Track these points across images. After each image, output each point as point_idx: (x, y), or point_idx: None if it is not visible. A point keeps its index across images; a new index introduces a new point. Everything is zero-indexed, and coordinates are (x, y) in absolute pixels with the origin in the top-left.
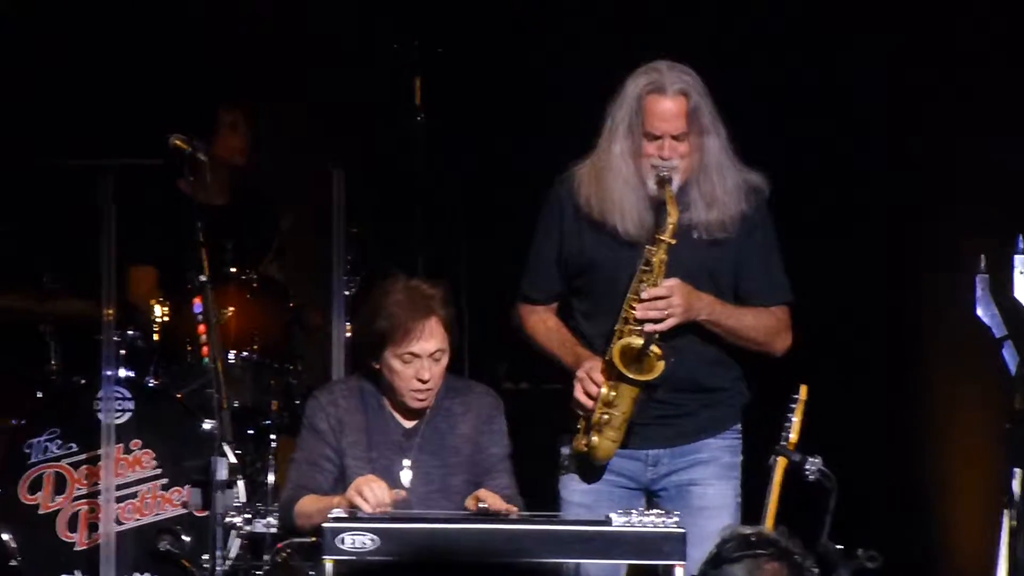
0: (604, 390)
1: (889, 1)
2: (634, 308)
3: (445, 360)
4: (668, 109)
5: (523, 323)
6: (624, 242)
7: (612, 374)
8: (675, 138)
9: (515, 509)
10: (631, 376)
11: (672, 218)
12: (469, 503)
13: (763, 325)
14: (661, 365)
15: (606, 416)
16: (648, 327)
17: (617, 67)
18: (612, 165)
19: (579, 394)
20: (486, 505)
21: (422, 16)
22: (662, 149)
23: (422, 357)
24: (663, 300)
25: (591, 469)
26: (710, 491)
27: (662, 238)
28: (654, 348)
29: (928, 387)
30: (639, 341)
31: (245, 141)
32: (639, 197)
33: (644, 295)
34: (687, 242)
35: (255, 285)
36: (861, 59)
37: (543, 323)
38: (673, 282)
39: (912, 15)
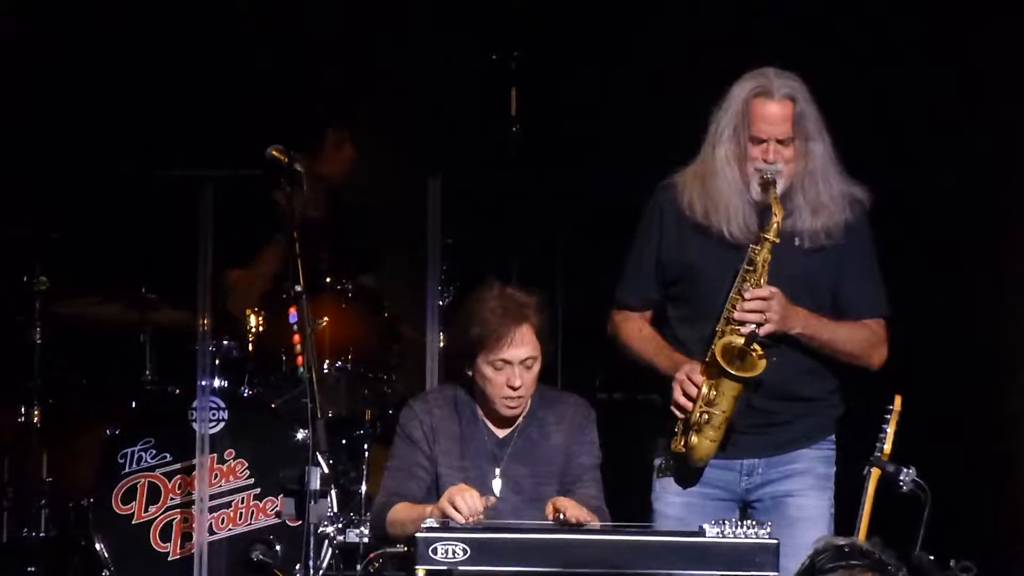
0: (705, 389)
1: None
2: (735, 308)
3: (537, 367)
4: (774, 113)
5: (617, 330)
6: (728, 245)
7: (713, 372)
8: (780, 142)
9: (594, 518)
10: (733, 372)
11: (777, 217)
12: (548, 511)
13: (859, 339)
14: (763, 363)
15: (706, 416)
16: (748, 328)
17: (719, 76)
18: (717, 169)
19: (678, 395)
20: (563, 515)
21: (520, 28)
22: (767, 153)
23: (514, 364)
24: (764, 302)
25: (687, 473)
26: (806, 502)
27: (767, 236)
28: (756, 347)
29: (1022, 397)
30: (741, 340)
31: (350, 160)
32: (744, 201)
33: (746, 295)
34: (789, 249)
35: (350, 295)
36: (952, 78)
37: (638, 330)
38: (774, 289)
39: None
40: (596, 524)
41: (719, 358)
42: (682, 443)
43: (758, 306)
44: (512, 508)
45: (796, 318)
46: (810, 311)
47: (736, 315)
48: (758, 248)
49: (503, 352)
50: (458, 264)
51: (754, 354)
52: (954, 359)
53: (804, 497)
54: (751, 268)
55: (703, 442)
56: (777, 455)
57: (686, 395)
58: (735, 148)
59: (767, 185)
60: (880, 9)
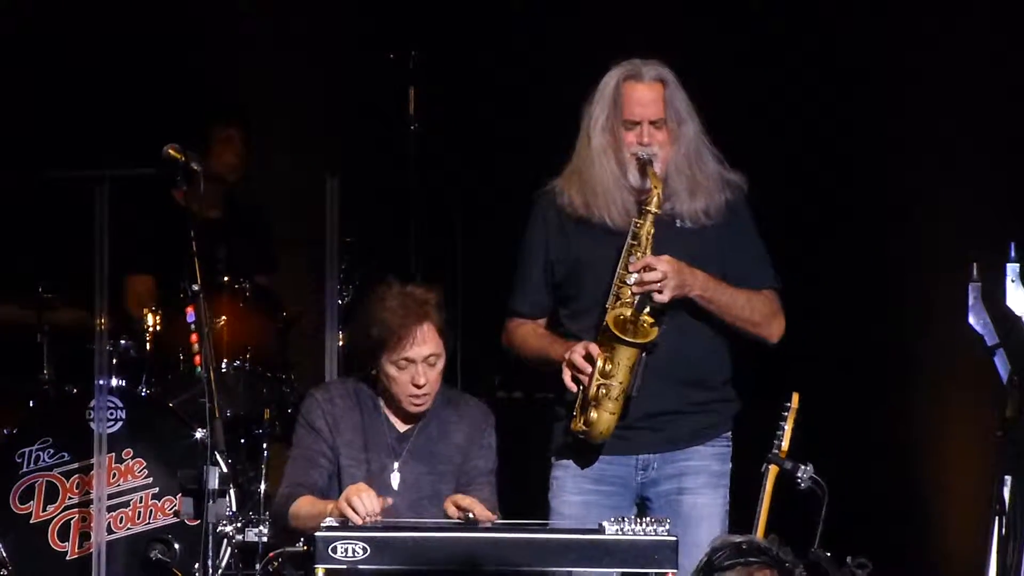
0: (600, 363)
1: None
2: (625, 283)
3: (441, 364)
4: (645, 94)
5: (512, 336)
6: (609, 232)
7: (607, 343)
8: (653, 124)
9: (495, 517)
10: (627, 339)
11: (657, 189)
12: (448, 508)
13: (757, 305)
14: (655, 330)
15: (604, 388)
16: (638, 290)
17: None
18: (593, 159)
19: (571, 369)
20: (470, 513)
21: (417, 26)
22: (641, 135)
23: (417, 362)
24: (655, 272)
25: (585, 462)
26: (699, 500)
27: (648, 208)
28: (645, 316)
29: (919, 395)
30: (630, 311)
31: (239, 158)
32: (621, 188)
33: (637, 264)
34: (670, 232)
35: (247, 294)
36: (857, 60)
37: (533, 331)
38: (665, 256)
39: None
40: (497, 522)
41: (612, 327)
42: (581, 421)
43: (652, 276)
44: (409, 504)
45: (694, 279)
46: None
47: (635, 288)
48: (640, 221)
49: (406, 351)
50: (357, 263)
51: (645, 323)
52: (851, 356)
53: (698, 495)
54: (635, 242)
55: (603, 415)
56: (672, 451)
57: (580, 371)
58: (609, 137)
59: (644, 166)
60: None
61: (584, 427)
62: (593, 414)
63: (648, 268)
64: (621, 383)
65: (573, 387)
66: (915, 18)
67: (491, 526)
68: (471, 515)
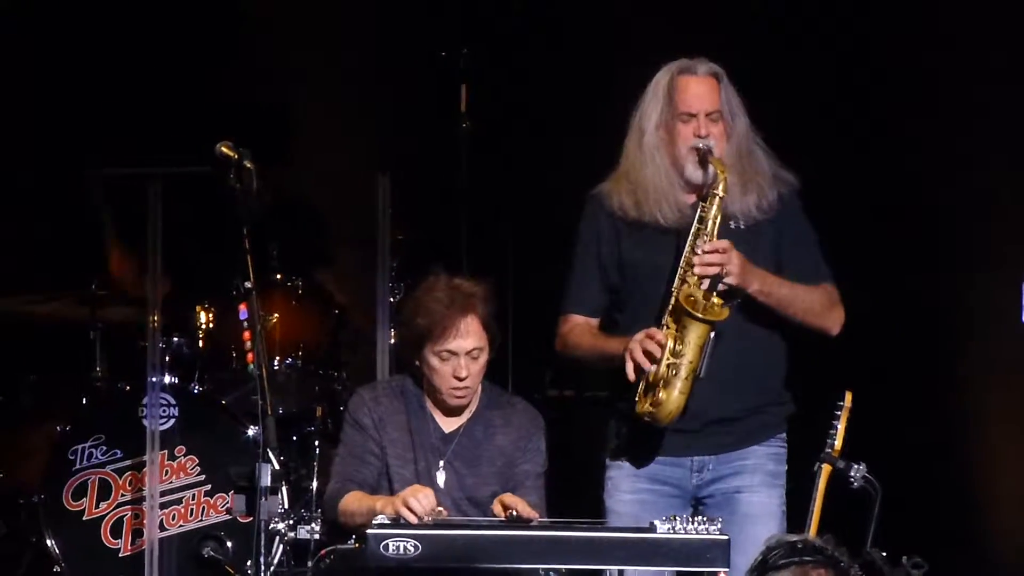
0: (669, 343)
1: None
2: (691, 265)
3: (484, 358)
4: (701, 87)
5: (567, 336)
6: (663, 231)
7: (677, 321)
8: (709, 116)
9: (537, 515)
10: (699, 315)
11: (723, 173)
12: (495, 507)
13: (816, 298)
14: (726, 311)
15: (673, 368)
16: (707, 281)
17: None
18: (645, 158)
19: (638, 355)
20: (513, 511)
21: (469, 23)
22: (698, 128)
23: (459, 355)
24: (721, 254)
25: (645, 455)
26: (756, 498)
27: (715, 192)
28: (715, 298)
29: (974, 393)
30: (700, 292)
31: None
32: (676, 186)
33: (705, 248)
34: (726, 232)
35: (300, 292)
36: (910, 58)
37: (588, 330)
38: (728, 242)
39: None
40: (547, 521)
41: (683, 303)
42: (648, 403)
43: (717, 259)
44: (454, 503)
45: (754, 274)
46: (748, 300)
47: (697, 269)
48: (707, 205)
49: (449, 343)
50: (409, 261)
51: (715, 304)
52: (904, 354)
53: (754, 493)
54: (702, 225)
55: (672, 395)
56: (727, 452)
57: (648, 354)
58: (663, 133)
59: (704, 156)
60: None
61: (651, 408)
62: (662, 394)
63: (716, 252)
64: (691, 362)
65: (633, 376)
66: (967, 16)
67: (543, 524)
68: (514, 513)
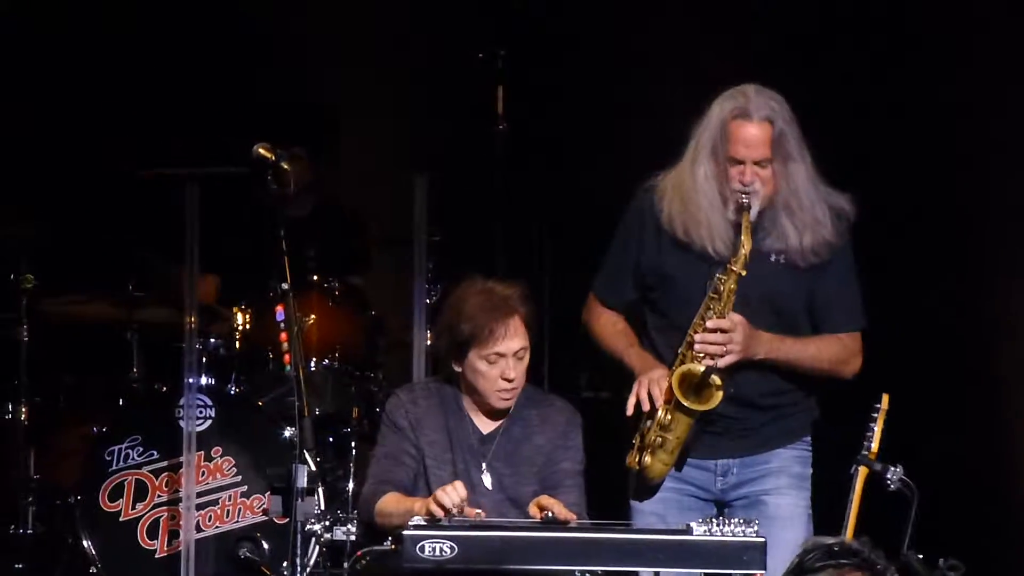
0: (660, 412)
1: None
2: (698, 333)
3: (527, 358)
4: (752, 135)
5: (592, 322)
6: (709, 260)
7: (670, 399)
8: (757, 163)
9: (574, 517)
10: (687, 405)
11: (745, 248)
12: (532, 510)
13: (827, 356)
14: (719, 396)
15: (659, 439)
16: (707, 361)
17: (705, 77)
18: (697, 187)
19: (640, 390)
20: (549, 513)
21: (505, 25)
22: (743, 174)
23: (507, 356)
24: (724, 335)
25: (647, 484)
26: (783, 501)
27: (733, 268)
28: (714, 378)
29: (1010, 395)
30: (700, 368)
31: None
32: (724, 219)
33: (708, 325)
34: (763, 267)
35: (337, 293)
36: (927, 63)
37: (612, 324)
38: (736, 318)
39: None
40: (583, 523)
41: (676, 387)
42: (636, 460)
43: (719, 339)
44: (492, 505)
45: (759, 344)
46: (775, 331)
47: (697, 346)
48: (724, 278)
49: (497, 346)
50: (445, 262)
51: (712, 385)
52: (942, 357)
53: (781, 496)
54: (716, 296)
55: (656, 464)
56: (751, 455)
57: (649, 395)
58: (714, 167)
59: (741, 209)
60: (879, 10)
61: (638, 468)
62: (648, 459)
63: (720, 331)
64: (679, 438)
65: (630, 412)
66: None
67: (579, 526)
68: (550, 514)
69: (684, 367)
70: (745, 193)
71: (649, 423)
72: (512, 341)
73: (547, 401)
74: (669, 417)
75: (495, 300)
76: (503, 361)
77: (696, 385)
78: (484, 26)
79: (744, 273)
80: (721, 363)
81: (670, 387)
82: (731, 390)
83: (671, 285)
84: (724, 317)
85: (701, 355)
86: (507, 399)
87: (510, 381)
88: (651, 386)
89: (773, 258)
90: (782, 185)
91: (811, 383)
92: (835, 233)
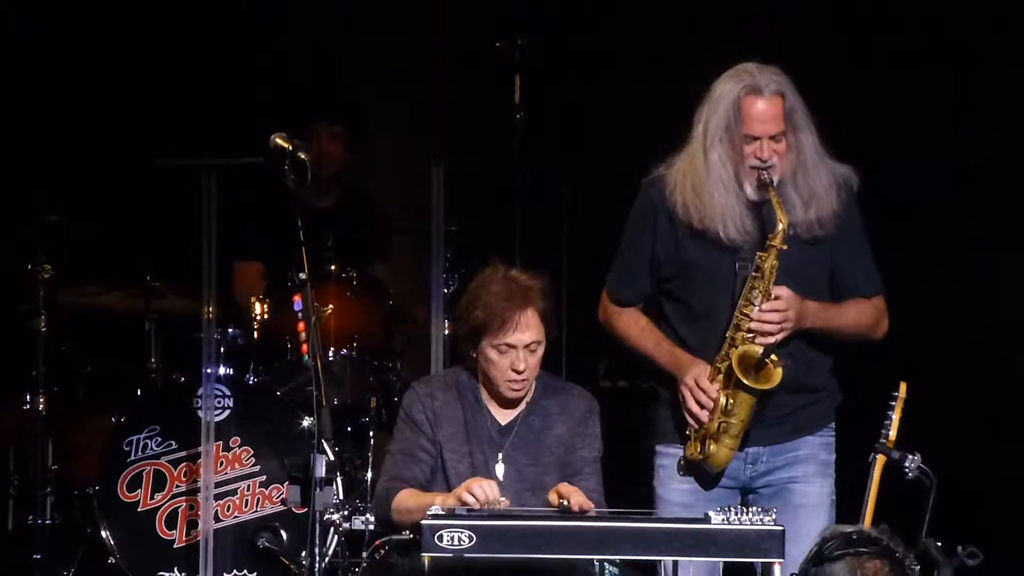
0: (722, 400)
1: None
2: (747, 316)
3: (541, 351)
4: (766, 110)
5: (612, 322)
6: (724, 246)
7: (730, 382)
8: (772, 138)
9: (591, 506)
10: (752, 385)
11: (783, 223)
12: (551, 496)
13: (865, 319)
14: (779, 372)
15: (724, 425)
16: (761, 340)
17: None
18: (711, 172)
19: (691, 404)
20: (566, 501)
21: (523, 13)
22: (761, 150)
23: (518, 348)
24: (779, 313)
25: (704, 474)
26: (810, 488)
27: (773, 244)
28: (773, 356)
29: None
30: (757, 349)
31: (341, 154)
32: (740, 202)
33: (763, 307)
34: (787, 240)
35: (355, 283)
36: (935, 59)
37: (635, 323)
38: (785, 292)
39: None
40: (601, 512)
41: (737, 370)
42: (698, 450)
43: (776, 316)
44: (513, 495)
45: (808, 314)
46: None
47: (754, 325)
48: (764, 255)
49: (508, 336)
50: (463, 251)
51: (770, 364)
52: (959, 346)
53: (808, 484)
54: (758, 275)
55: (721, 450)
56: (780, 443)
57: (700, 403)
58: (728, 149)
59: (765, 185)
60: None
61: (701, 457)
62: (712, 447)
63: (774, 310)
64: (742, 422)
65: (693, 422)
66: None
67: (598, 515)
68: (566, 503)
69: (741, 349)
70: (765, 168)
71: (710, 417)
72: (524, 333)
73: (565, 390)
74: (732, 402)
75: (513, 289)
76: (513, 352)
77: (755, 365)
78: (503, 15)
79: (785, 247)
80: (778, 338)
81: (730, 371)
82: (788, 362)
83: (692, 273)
84: (769, 295)
85: (753, 336)
86: (517, 390)
87: (519, 372)
88: (698, 386)
89: (792, 231)
90: (792, 158)
91: (837, 368)
92: (840, 204)
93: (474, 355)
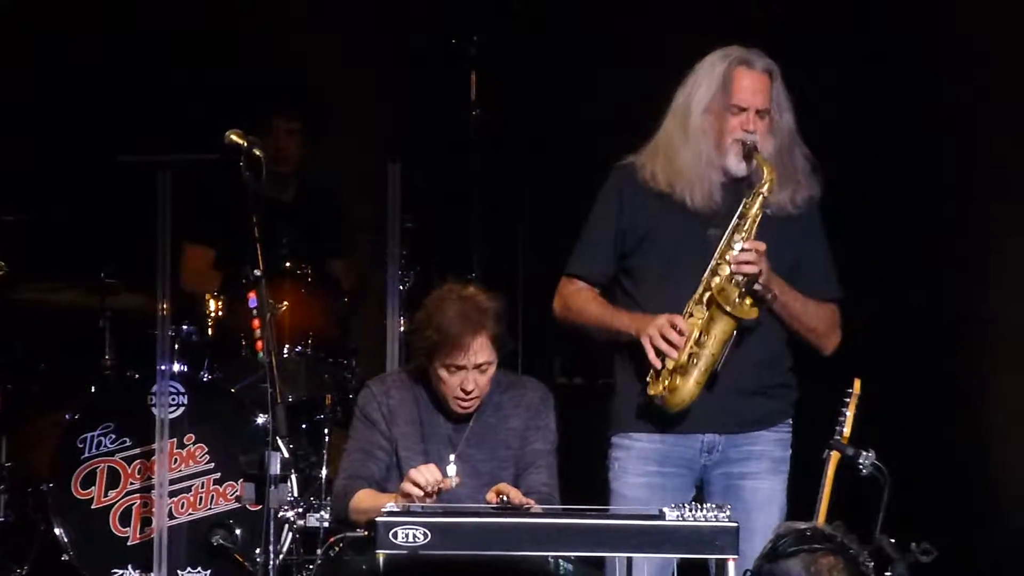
0: (695, 332)
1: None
2: (726, 261)
3: (492, 370)
4: (757, 83)
5: (568, 300)
6: (688, 213)
7: (707, 310)
8: (758, 113)
9: (531, 503)
10: (731, 311)
11: (771, 174)
12: (489, 496)
13: (824, 316)
14: (755, 311)
15: (694, 358)
16: (740, 279)
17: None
18: (690, 140)
19: (659, 342)
20: (504, 497)
21: (478, 10)
22: (747, 123)
23: (468, 369)
24: (757, 254)
25: (653, 434)
26: (761, 485)
27: (760, 191)
28: (747, 298)
29: (982, 380)
30: (733, 289)
31: (299, 151)
32: (714, 170)
33: (745, 245)
34: (762, 219)
35: (310, 280)
36: (911, 56)
37: (592, 297)
38: (763, 245)
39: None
40: (538, 508)
41: (717, 297)
42: (662, 386)
43: (752, 258)
44: (470, 492)
45: (776, 281)
46: None
47: (732, 267)
48: (749, 201)
49: (459, 359)
50: (419, 248)
51: (746, 303)
52: (913, 342)
53: (759, 480)
54: (741, 221)
55: (687, 384)
56: (737, 433)
57: (669, 341)
58: (712, 118)
59: (751, 153)
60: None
61: (665, 392)
62: (678, 380)
63: (755, 249)
64: (713, 354)
65: (657, 362)
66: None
67: (554, 511)
68: (505, 499)
69: (719, 283)
70: (750, 139)
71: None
72: (475, 356)
73: (519, 383)
74: (704, 336)
75: (467, 313)
76: (464, 372)
77: (733, 301)
78: (458, 11)
79: (770, 195)
80: (757, 283)
81: (712, 298)
82: (769, 296)
83: (655, 238)
84: (755, 241)
85: (731, 277)
86: (465, 407)
87: (468, 392)
88: (664, 330)
89: (769, 211)
90: (775, 139)
91: (796, 363)
92: (815, 192)
93: (427, 368)
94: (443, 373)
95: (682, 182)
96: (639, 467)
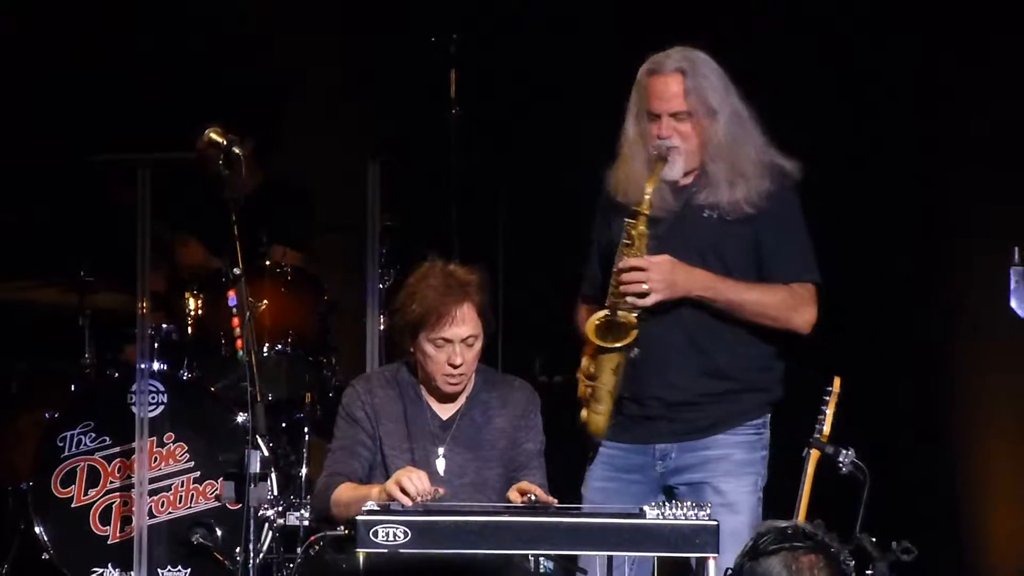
0: (585, 363)
1: None
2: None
3: (478, 346)
4: (664, 87)
5: (577, 319)
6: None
7: (591, 347)
8: (675, 116)
9: (555, 501)
10: (604, 345)
11: (648, 190)
12: (512, 496)
13: (774, 300)
14: (634, 333)
15: (591, 390)
16: (631, 299)
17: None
18: (629, 148)
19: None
20: (531, 496)
21: (458, 8)
22: (660, 129)
23: (454, 342)
24: (640, 272)
25: (616, 429)
26: (723, 487)
27: (639, 210)
28: (625, 315)
29: (962, 379)
30: (605, 312)
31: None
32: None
33: (620, 264)
34: (699, 221)
35: (289, 278)
36: (895, 45)
37: (584, 313)
38: (657, 258)
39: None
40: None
41: (591, 333)
42: (582, 418)
43: (636, 276)
44: (455, 490)
45: (693, 281)
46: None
47: (622, 288)
48: (633, 222)
49: (444, 330)
50: (398, 247)
51: (628, 323)
52: (893, 340)
53: (721, 483)
54: (628, 242)
55: (592, 416)
56: (689, 440)
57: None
58: (638, 127)
59: (658, 160)
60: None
61: (584, 424)
62: (584, 412)
63: (634, 269)
64: (605, 384)
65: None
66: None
67: (531, 510)
68: (532, 498)
69: (597, 313)
70: (659, 146)
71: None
72: (461, 327)
73: (506, 382)
74: (593, 367)
75: (450, 284)
76: (450, 347)
77: (611, 327)
78: (438, 9)
79: (647, 213)
80: (645, 302)
81: (585, 335)
82: (644, 319)
83: (613, 248)
84: (637, 258)
85: (620, 299)
86: (454, 384)
87: (456, 367)
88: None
89: (706, 213)
90: (710, 140)
91: (765, 365)
92: (772, 185)
93: (412, 350)
94: (429, 348)
95: (627, 191)
96: (603, 472)
